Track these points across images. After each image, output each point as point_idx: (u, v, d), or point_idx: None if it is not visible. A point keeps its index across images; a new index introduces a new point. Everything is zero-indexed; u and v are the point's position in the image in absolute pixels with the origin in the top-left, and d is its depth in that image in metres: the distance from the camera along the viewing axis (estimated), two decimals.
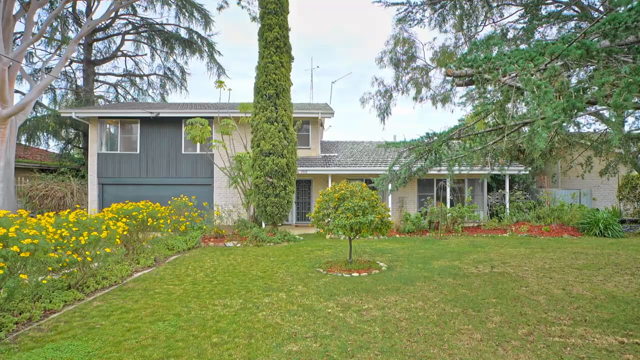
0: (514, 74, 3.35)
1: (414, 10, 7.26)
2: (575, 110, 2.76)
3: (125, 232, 6.70)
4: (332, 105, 60.50)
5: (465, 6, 7.53)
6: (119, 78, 25.40)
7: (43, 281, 4.50)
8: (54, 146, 23.88)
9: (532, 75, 2.65)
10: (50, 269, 4.49)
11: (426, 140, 4.85)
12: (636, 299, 5.25)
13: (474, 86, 3.96)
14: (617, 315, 4.59)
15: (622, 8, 2.70)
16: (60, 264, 4.61)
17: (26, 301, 4.63)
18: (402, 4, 7.20)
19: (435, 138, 4.82)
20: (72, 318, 4.60)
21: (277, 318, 4.61)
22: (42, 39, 19.70)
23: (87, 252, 5.28)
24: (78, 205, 10.82)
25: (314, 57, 51.50)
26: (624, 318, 4.49)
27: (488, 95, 4.21)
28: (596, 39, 3.12)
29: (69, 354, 3.61)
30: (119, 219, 7.35)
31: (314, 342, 3.89)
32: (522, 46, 7.55)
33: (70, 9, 21.17)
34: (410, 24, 7.57)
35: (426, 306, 5.07)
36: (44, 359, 3.49)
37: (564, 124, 3.75)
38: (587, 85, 2.98)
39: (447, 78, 4.30)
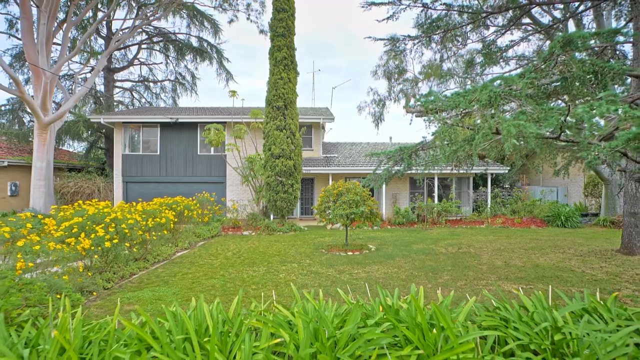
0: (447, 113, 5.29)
1: (397, 44, 9.15)
2: (475, 141, 4.68)
3: (176, 219, 8.66)
4: (334, 101, 62.05)
5: (439, 40, 9.40)
6: (134, 83, 27.37)
7: (134, 249, 6.46)
8: (76, 147, 25.96)
9: (443, 124, 4.57)
10: (135, 242, 6.43)
11: (398, 152, 6.78)
12: (551, 266, 7.21)
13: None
14: (530, 275, 6.55)
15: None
16: (139, 240, 6.57)
17: (117, 265, 6.60)
18: (387, 39, 9.08)
19: (405, 150, 6.75)
20: (149, 277, 6.58)
21: (293, 277, 6.59)
22: (66, 47, 21.67)
23: (153, 233, 7.25)
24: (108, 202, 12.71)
25: (315, 55, 53.20)
26: (534, 276, 6.45)
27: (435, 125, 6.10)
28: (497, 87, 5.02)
29: (160, 293, 5.59)
30: (163, 210, 9.30)
31: (319, 288, 5.85)
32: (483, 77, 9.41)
33: (90, 20, 23.06)
34: (395, 54, 9.40)
35: (399, 271, 7.04)
36: (146, 295, 5.46)
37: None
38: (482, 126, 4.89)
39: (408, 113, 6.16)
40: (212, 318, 2.53)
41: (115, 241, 5.57)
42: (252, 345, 2.29)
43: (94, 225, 5.49)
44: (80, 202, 6.65)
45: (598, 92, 4.92)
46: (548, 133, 4.87)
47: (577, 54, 4.69)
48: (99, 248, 5.41)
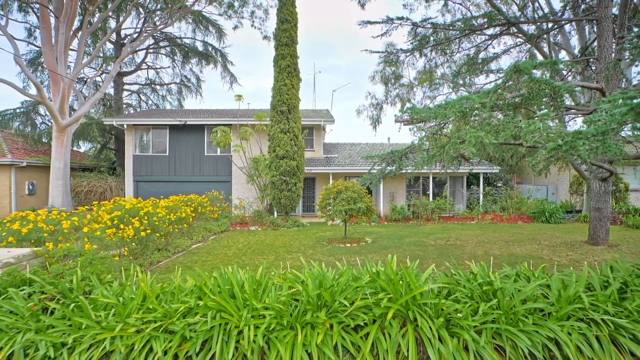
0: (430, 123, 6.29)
1: (391, 57, 10.14)
2: (446, 148, 5.67)
3: (194, 214, 9.67)
4: (334, 101, 62.93)
5: (429, 54, 10.42)
6: (141, 86, 28.40)
7: (161, 239, 7.47)
8: (85, 148, 27.03)
9: (423, 132, 5.57)
10: (162, 233, 7.44)
11: (390, 155, 7.77)
12: (524, 255, 8.21)
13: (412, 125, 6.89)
14: (503, 261, 7.55)
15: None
16: (165, 232, 7.57)
17: (146, 253, 7.62)
18: (382, 52, 10.07)
19: (396, 153, 7.74)
20: (174, 264, 7.59)
21: (298, 263, 7.60)
22: (76, 52, 22.71)
23: (175, 226, 8.26)
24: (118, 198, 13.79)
25: (316, 55, 54.10)
26: (506, 262, 7.43)
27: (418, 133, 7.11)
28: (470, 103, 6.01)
29: (187, 275, 6.58)
30: (180, 206, 10.31)
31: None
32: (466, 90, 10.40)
33: (100, 25, 24.07)
34: (390, 63, 10.39)
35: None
36: (175, 277, 6.46)
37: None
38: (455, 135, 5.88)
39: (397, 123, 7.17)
40: (246, 278, 3.54)
41: (148, 231, 6.57)
42: (276, 294, 3.31)
43: (131, 218, 6.48)
44: (117, 198, 7.64)
45: (558, 104, 5.92)
46: (512, 141, 5.87)
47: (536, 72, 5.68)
48: (136, 237, 6.41)
